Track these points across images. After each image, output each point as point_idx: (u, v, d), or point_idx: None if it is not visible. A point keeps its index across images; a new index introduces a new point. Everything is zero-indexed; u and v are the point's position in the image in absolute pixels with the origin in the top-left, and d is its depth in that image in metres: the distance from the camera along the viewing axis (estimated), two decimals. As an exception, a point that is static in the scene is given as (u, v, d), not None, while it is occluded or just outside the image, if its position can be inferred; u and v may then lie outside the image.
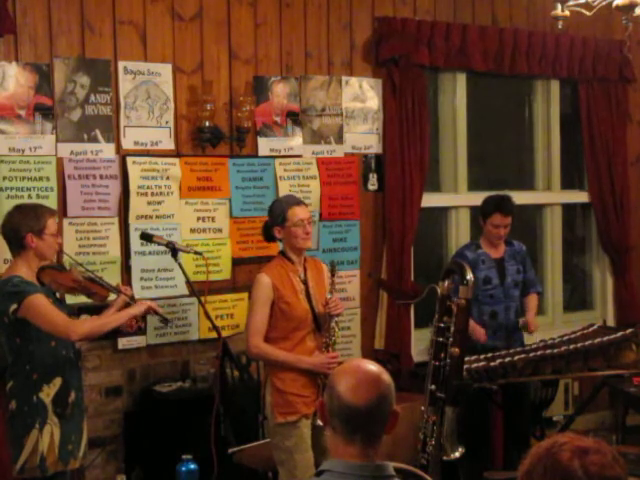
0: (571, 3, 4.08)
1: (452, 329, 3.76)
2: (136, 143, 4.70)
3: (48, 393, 3.64)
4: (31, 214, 3.68)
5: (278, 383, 4.02)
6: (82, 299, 4.08)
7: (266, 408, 4.09)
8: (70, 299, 4.13)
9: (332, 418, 2.12)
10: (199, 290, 4.35)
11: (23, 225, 3.64)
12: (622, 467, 1.68)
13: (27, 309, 3.55)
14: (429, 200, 5.64)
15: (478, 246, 5.23)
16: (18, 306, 3.54)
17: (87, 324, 3.73)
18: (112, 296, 3.95)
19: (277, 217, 4.08)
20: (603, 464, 1.65)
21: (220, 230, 4.95)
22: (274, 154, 5.10)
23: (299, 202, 4.12)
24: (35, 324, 3.57)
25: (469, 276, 3.77)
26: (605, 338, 4.81)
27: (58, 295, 3.86)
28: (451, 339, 3.72)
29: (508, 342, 5.08)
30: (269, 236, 4.20)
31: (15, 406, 3.64)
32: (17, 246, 3.67)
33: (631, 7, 3.90)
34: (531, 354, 4.63)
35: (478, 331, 5.01)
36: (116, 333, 4.55)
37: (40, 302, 3.56)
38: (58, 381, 3.66)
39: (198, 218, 4.88)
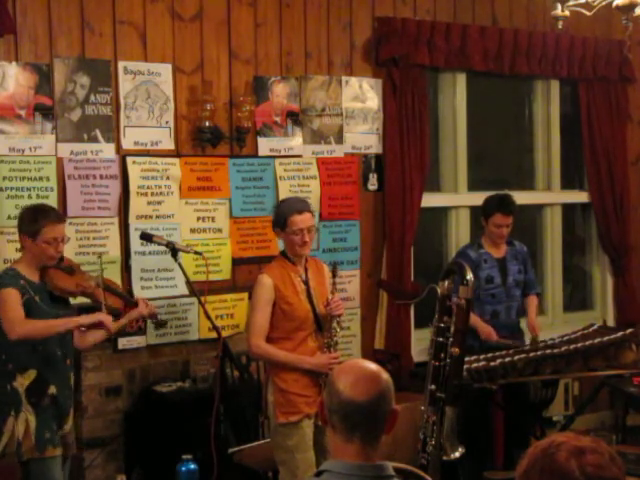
0: (571, 3, 4.08)
1: (452, 329, 3.75)
2: (136, 143, 4.70)
3: (22, 383, 3.73)
4: (30, 217, 3.77)
5: (280, 383, 4.02)
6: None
7: (268, 408, 4.08)
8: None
9: (332, 416, 2.13)
10: (199, 290, 4.35)
11: (21, 225, 3.78)
12: (619, 467, 1.67)
13: None
14: (429, 200, 5.63)
15: (480, 246, 5.23)
16: None
17: (29, 325, 3.67)
18: None
19: (278, 220, 4.06)
20: (600, 464, 1.65)
21: (220, 230, 4.95)
22: (274, 154, 5.10)
23: (302, 210, 4.03)
24: None
25: (469, 276, 3.76)
26: (605, 338, 4.81)
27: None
28: (451, 339, 3.71)
29: (509, 344, 5.08)
30: None
31: None
32: (20, 242, 3.82)
33: (631, 7, 3.91)
34: (531, 354, 4.63)
35: (485, 330, 5.01)
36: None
37: (7, 297, 3.65)
38: (33, 373, 3.75)
39: (198, 218, 4.88)
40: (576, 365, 4.71)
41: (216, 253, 4.92)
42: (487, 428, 5.22)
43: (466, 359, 4.09)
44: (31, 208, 3.86)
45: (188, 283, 4.48)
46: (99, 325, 3.83)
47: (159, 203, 4.76)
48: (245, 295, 4.93)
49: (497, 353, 4.68)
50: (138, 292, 4.63)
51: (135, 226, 4.67)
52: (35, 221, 3.72)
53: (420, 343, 5.42)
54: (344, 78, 5.32)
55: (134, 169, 4.68)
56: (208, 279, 4.45)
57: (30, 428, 3.72)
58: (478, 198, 5.39)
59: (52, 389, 3.79)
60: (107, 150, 4.62)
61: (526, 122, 6.29)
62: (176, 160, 4.80)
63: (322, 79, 5.25)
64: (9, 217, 4.32)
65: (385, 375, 2.15)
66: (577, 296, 6.62)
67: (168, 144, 4.78)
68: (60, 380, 3.84)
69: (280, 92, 5.11)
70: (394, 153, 5.37)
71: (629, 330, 4.91)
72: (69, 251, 4.21)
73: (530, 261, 5.41)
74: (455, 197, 5.85)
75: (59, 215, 3.90)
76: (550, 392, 5.35)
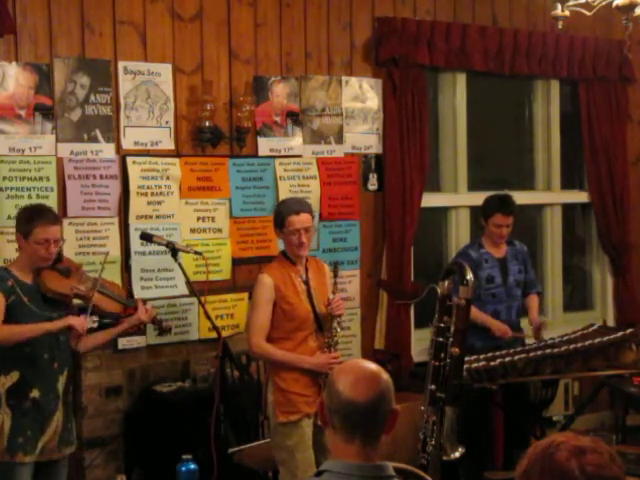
0: (571, 3, 4.08)
1: (452, 329, 3.76)
2: (136, 143, 4.70)
3: (4, 383, 3.69)
4: (26, 216, 3.74)
5: (280, 382, 4.03)
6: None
7: (268, 407, 4.09)
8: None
9: (332, 416, 2.13)
10: (199, 290, 4.35)
11: (18, 225, 3.75)
12: (619, 467, 1.67)
13: None
14: (429, 200, 5.64)
15: (480, 245, 5.24)
16: None
17: None
18: None
19: (277, 220, 4.09)
20: (600, 464, 1.65)
21: (220, 230, 4.95)
22: (274, 154, 5.10)
23: (299, 211, 4.03)
24: None
25: (469, 276, 3.76)
26: (605, 338, 4.81)
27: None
28: (451, 339, 3.71)
29: (509, 341, 5.09)
30: None
31: None
32: (17, 241, 3.79)
33: (631, 7, 3.91)
34: (531, 354, 4.63)
35: (501, 328, 5.02)
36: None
37: None
38: (15, 375, 3.70)
39: (198, 218, 4.88)
40: (576, 365, 4.72)
41: (216, 253, 4.92)
42: (487, 428, 5.22)
43: (466, 359, 4.09)
44: (28, 208, 3.83)
45: (188, 283, 4.48)
46: (72, 329, 3.74)
47: (159, 203, 4.76)
48: (245, 295, 4.93)
49: (497, 353, 4.69)
50: (138, 292, 4.63)
51: (135, 226, 4.67)
52: (31, 221, 3.68)
53: (420, 343, 5.42)
54: (344, 78, 5.32)
55: (134, 169, 4.68)
56: (208, 279, 4.45)
57: (4, 431, 3.66)
58: (478, 198, 5.40)
59: (34, 392, 3.71)
60: (107, 150, 4.62)
61: (526, 122, 6.29)
62: (176, 160, 4.81)
63: (322, 79, 5.25)
64: (9, 217, 4.31)
65: (385, 375, 2.15)
66: (577, 296, 6.62)
67: (168, 144, 4.78)
68: (45, 383, 3.75)
69: (280, 92, 5.11)
70: (394, 153, 5.37)
71: (629, 330, 4.91)
72: (69, 251, 4.21)
73: (530, 261, 5.41)
74: (455, 197, 5.85)
75: (55, 216, 3.82)
76: (550, 392, 5.35)
